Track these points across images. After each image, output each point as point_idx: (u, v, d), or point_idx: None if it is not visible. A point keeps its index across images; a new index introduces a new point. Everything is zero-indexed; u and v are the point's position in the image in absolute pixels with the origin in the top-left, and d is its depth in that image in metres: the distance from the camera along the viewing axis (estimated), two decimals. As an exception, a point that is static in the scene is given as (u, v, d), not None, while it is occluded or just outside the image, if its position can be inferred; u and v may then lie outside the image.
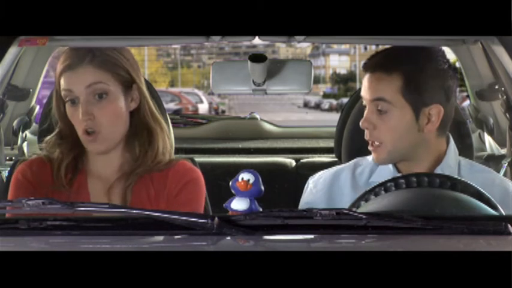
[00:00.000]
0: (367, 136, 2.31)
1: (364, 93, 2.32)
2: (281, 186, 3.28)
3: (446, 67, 2.31)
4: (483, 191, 2.02)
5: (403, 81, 2.27)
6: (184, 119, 4.24)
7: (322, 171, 2.45)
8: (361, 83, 2.39)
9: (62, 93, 2.26)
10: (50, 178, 2.30)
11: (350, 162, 2.45)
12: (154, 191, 2.30)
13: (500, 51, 2.26)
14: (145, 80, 2.47)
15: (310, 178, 2.46)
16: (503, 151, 3.30)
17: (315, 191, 2.40)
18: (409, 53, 2.32)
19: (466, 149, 2.54)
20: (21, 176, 2.31)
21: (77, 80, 2.24)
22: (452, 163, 2.33)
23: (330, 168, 2.46)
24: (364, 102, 2.33)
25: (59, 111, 2.32)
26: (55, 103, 2.32)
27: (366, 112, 2.31)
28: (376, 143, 2.30)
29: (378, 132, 2.29)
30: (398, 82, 2.27)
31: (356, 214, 1.79)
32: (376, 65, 2.31)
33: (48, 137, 2.35)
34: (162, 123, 2.35)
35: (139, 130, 2.31)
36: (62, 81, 2.26)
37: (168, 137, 2.35)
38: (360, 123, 2.32)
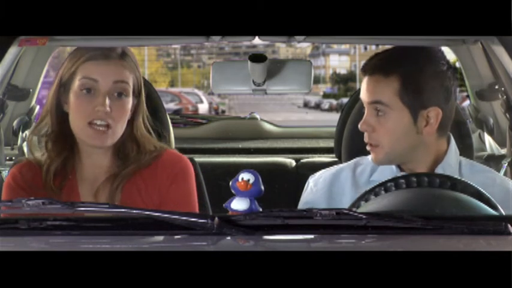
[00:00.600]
0: (366, 138, 2.31)
1: (363, 95, 2.32)
2: (281, 186, 3.28)
3: (445, 69, 2.30)
4: (483, 191, 2.02)
5: (400, 83, 2.27)
6: (184, 119, 4.24)
7: (322, 171, 2.45)
8: (361, 83, 2.38)
9: (81, 81, 2.24)
10: (40, 181, 2.30)
11: (350, 161, 2.45)
12: (144, 185, 2.30)
13: (500, 51, 2.26)
14: (145, 80, 2.47)
15: (310, 177, 2.46)
16: (503, 151, 3.30)
17: (315, 190, 2.40)
18: (407, 55, 2.32)
19: (466, 149, 2.54)
20: (12, 180, 2.31)
21: (105, 71, 2.24)
22: (453, 162, 2.33)
23: (330, 168, 2.46)
24: (364, 105, 2.33)
25: (57, 107, 2.30)
26: (54, 98, 2.30)
27: (365, 114, 2.31)
28: (372, 145, 2.30)
29: (377, 134, 2.29)
30: (395, 85, 2.27)
31: (356, 214, 1.79)
32: (374, 67, 2.31)
33: (33, 129, 2.35)
34: (151, 140, 2.34)
35: (128, 141, 2.31)
36: (85, 69, 2.24)
37: (153, 142, 2.35)
38: (359, 126, 2.32)
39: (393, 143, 2.28)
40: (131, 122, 2.31)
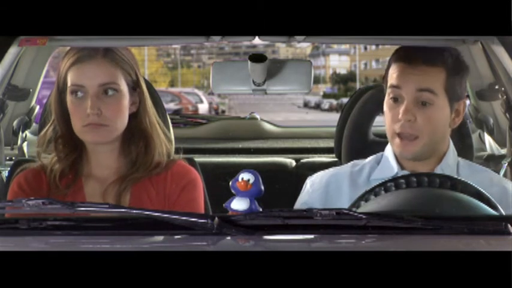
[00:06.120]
0: (405, 129, 2.26)
1: (401, 83, 2.27)
2: (281, 186, 3.27)
3: (467, 65, 2.35)
4: (483, 191, 2.02)
5: (446, 74, 2.27)
6: (184, 119, 4.24)
7: (320, 172, 2.45)
8: (361, 83, 2.39)
9: (70, 88, 2.25)
10: (46, 187, 2.29)
11: (347, 164, 2.45)
12: (154, 191, 2.30)
13: (500, 51, 2.26)
14: (145, 80, 2.47)
15: (308, 178, 2.46)
16: (503, 151, 3.30)
17: (311, 191, 2.40)
18: (448, 48, 2.34)
19: (466, 149, 2.54)
20: (18, 188, 2.30)
21: (90, 74, 2.24)
22: (452, 163, 2.33)
23: (328, 169, 2.45)
24: (393, 94, 2.28)
25: (60, 110, 2.30)
26: (55, 102, 2.31)
27: (405, 103, 2.26)
28: (412, 136, 2.26)
29: (417, 124, 2.26)
30: (442, 75, 2.27)
31: (356, 214, 1.80)
32: (417, 57, 2.28)
33: (42, 133, 2.34)
34: (159, 130, 2.34)
35: (136, 136, 2.31)
36: (72, 75, 2.25)
37: (163, 140, 2.35)
38: (400, 115, 2.26)
39: (433, 134, 2.27)
40: (136, 115, 2.31)
